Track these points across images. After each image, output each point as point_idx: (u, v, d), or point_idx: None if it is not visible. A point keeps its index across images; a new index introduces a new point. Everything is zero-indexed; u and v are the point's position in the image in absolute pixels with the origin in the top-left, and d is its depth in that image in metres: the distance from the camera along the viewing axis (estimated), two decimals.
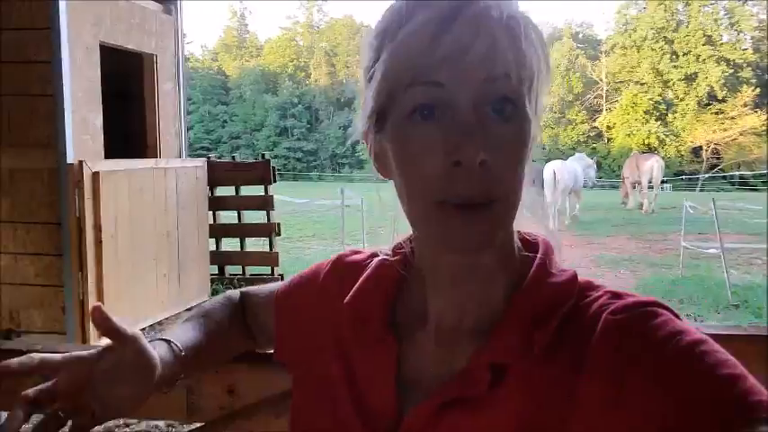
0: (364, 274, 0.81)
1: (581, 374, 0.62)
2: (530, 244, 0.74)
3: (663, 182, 31.70)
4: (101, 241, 4.80)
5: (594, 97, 44.73)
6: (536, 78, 0.65)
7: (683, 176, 33.05)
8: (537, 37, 0.65)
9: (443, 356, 0.71)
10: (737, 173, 33.21)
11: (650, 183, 17.70)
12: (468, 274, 0.70)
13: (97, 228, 4.79)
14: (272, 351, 1.00)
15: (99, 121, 5.21)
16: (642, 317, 0.62)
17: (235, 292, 1.02)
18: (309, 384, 0.83)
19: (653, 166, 17.66)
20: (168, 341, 0.84)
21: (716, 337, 0.94)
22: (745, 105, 38.06)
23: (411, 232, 0.76)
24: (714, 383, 0.55)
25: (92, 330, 4.79)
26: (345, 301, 0.80)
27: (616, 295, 0.67)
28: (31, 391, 0.71)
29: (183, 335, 0.88)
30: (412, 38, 0.62)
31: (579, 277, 0.72)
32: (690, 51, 40.57)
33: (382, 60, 0.64)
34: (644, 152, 23.69)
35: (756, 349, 0.86)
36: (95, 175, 4.74)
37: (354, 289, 0.80)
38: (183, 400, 1.15)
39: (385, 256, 0.81)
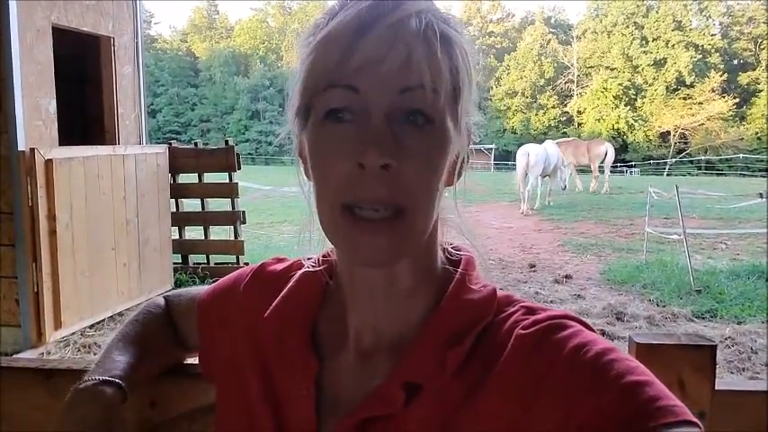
0: (286, 288, 0.79)
1: (492, 389, 0.63)
2: (452, 258, 0.74)
3: (632, 166, 32.22)
4: (55, 231, 4.67)
5: (566, 82, 45.08)
6: (460, 90, 0.65)
7: (651, 161, 33.57)
8: (459, 49, 0.65)
9: (363, 373, 0.71)
10: (704, 157, 33.86)
11: (601, 166, 18.94)
12: (385, 289, 0.70)
13: (51, 217, 4.66)
14: (195, 362, 0.97)
15: (52, 106, 5.04)
16: (550, 330, 0.63)
17: (160, 300, 0.99)
18: (231, 398, 0.81)
19: (606, 151, 19.01)
20: (109, 381, 0.82)
21: (649, 346, 0.91)
22: (713, 91, 38.74)
23: None
24: (621, 391, 0.56)
25: (47, 322, 4.67)
26: (265, 315, 0.78)
27: (530, 310, 0.68)
28: None
29: (120, 362, 0.86)
30: (330, 42, 0.62)
31: (499, 292, 0.72)
32: (659, 37, 41.07)
33: (302, 60, 0.65)
34: (591, 138, 24.77)
35: (689, 359, 0.84)
36: (48, 162, 4.59)
37: (275, 304, 0.78)
38: None
39: (309, 267, 0.79)
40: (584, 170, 19.93)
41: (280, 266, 0.86)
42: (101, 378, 0.82)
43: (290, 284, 0.79)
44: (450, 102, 0.64)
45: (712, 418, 0.80)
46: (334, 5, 0.66)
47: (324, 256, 0.79)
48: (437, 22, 0.63)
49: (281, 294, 0.79)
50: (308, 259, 0.80)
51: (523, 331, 0.64)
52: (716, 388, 0.81)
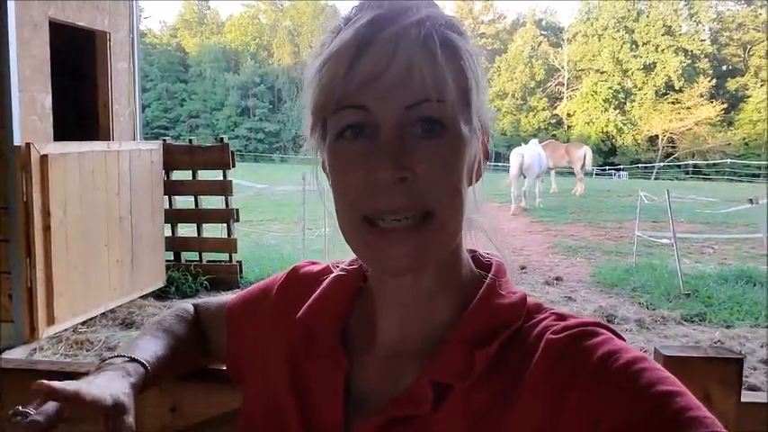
0: (319, 289, 0.81)
1: (520, 393, 0.63)
2: (483, 265, 0.75)
3: (620, 169, 32.44)
4: (49, 226, 4.64)
5: (556, 85, 45.24)
6: (470, 92, 0.65)
7: (639, 164, 33.79)
8: (464, 52, 0.65)
9: (391, 374, 0.72)
10: (691, 162, 34.11)
11: (583, 168, 19.11)
12: (411, 295, 0.71)
13: (45, 212, 4.63)
14: (215, 368, 0.99)
15: (48, 101, 5.01)
16: (580, 336, 0.64)
17: (188, 305, 1.00)
18: (259, 399, 0.81)
19: (585, 154, 19.12)
20: (136, 360, 0.82)
21: (675, 359, 0.93)
22: (701, 96, 39.00)
23: None
24: (651, 400, 0.56)
25: (40, 318, 4.64)
26: (298, 315, 0.79)
27: (560, 317, 0.69)
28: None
29: (148, 350, 0.85)
30: (332, 62, 0.63)
31: (529, 299, 0.72)
32: (649, 41, 41.28)
33: (309, 81, 0.66)
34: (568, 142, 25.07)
35: (715, 372, 0.85)
36: (44, 157, 4.56)
37: (308, 304, 0.80)
38: None
39: (341, 271, 0.81)
40: (569, 173, 20.05)
41: (315, 268, 0.87)
42: (129, 356, 0.81)
43: (324, 285, 0.81)
44: (461, 105, 0.64)
45: (739, 430, 0.81)
46: (337, 26, 0.66)
47: (355, 260, 0.80)
48: (438, 29, 0.63)
49: (315, 295, 0.80)
50: (337, 266, 0.82)
51: (553, 336, 0.65)
52: (742, 400, 0.83)
